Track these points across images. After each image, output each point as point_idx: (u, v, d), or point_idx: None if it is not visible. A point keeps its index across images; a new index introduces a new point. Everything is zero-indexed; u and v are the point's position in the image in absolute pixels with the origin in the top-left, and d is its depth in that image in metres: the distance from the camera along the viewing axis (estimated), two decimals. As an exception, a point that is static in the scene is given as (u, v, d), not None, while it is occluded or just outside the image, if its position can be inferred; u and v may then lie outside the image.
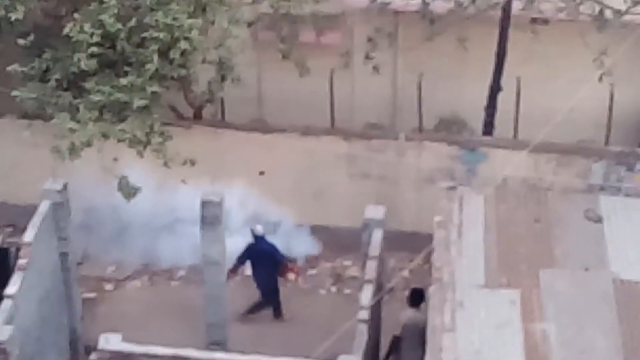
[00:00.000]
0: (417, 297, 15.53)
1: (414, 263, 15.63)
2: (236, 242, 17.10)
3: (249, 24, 17.69)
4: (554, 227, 14.86)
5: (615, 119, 18.65)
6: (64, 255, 16.24)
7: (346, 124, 19.17)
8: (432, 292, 13.77)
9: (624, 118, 19.01)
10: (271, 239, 17.34)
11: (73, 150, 15.81)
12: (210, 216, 15.75)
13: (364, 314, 14.52)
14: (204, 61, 16.72)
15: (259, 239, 17.09)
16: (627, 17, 16.92)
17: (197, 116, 18.63)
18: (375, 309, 15.18)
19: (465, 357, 12.65)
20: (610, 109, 18.46)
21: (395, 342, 15.81)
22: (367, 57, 18.09)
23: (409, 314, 15.57)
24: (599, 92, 17.91)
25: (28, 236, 15.37)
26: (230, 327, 16.62)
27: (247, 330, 16.90)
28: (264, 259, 17.08)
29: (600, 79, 17.19)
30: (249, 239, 17.16)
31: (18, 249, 15.61)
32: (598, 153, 17.91)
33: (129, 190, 16.10)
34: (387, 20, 18.60)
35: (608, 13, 16.82)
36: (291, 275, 17.45)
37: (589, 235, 14.70)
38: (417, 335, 14.54)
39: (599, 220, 14.96)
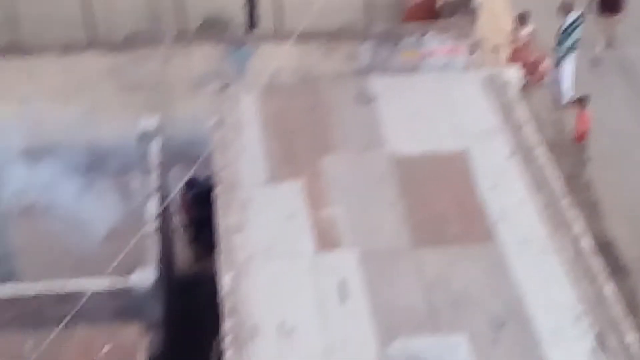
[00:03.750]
0: None
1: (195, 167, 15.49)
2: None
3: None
4: (329, 113, 15.01)
5: (375, -1, 18.89)
6: None
7: (108, 36, 18.67)
8: (218, 193, 13.72)
9: (384, -3, 19.27)
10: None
11: None
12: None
13: (154, 225, 14.38)
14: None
15: None
16: None
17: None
18: (165, 219, 15.05)
19: (258, 253, 12.72)
20: (370, -11, 18.68)
21: None
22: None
23: None
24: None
25: None
26: (18, 259, 16.11)
27: (37, 260, 16.43)
28: None
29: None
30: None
31: None
32: (363, 34, 18.10)
33: None
34: None
35: None
36: None
37: (363, 117, 14.94)
38: None
39: (371, 100, 15.21)
